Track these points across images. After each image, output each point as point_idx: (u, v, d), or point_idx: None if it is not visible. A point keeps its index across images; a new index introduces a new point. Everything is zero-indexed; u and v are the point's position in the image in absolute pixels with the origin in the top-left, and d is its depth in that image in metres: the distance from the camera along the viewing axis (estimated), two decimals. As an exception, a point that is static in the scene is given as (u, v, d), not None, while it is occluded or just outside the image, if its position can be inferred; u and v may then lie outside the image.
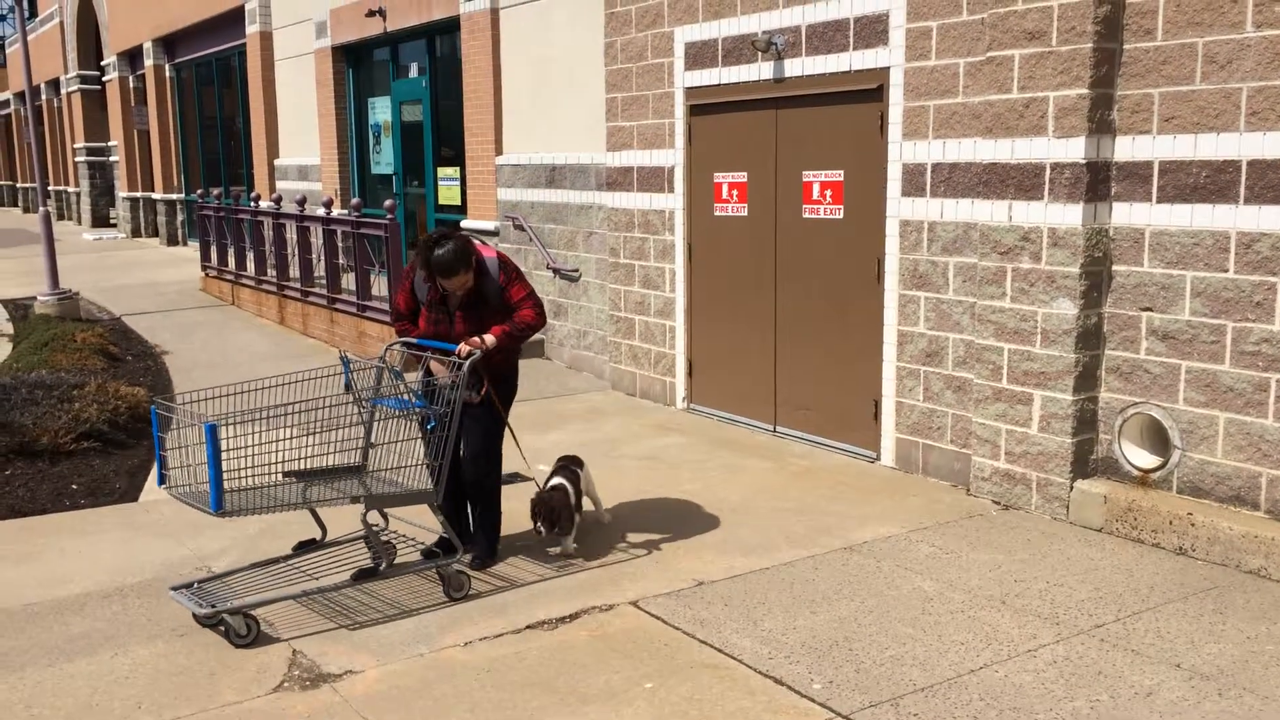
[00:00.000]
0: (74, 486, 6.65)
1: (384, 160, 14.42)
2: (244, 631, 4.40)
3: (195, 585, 4.72)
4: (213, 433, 4.19)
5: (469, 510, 5.32)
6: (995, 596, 4.81)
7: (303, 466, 4.73)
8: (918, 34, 6.35)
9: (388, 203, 10.32)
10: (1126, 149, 5.52)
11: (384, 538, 5.00)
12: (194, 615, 4.53)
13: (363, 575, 4.79)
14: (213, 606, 4.46)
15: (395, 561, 4.99)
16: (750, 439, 7.60)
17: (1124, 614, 4.62)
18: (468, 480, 5.21)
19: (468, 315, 5.07)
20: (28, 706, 3.96)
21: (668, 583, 5.02)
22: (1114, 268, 5.63)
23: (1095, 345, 5.69)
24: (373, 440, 5.00)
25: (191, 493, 4.48)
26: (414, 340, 5.21)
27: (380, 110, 14.32)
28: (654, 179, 8.51)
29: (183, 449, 4.49)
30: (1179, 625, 4.50)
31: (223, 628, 4.44)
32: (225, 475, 4.31)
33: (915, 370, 6.60)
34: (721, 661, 4.24)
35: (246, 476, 4.50)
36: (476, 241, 5.16)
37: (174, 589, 4.66)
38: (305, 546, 5.08)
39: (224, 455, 4.28)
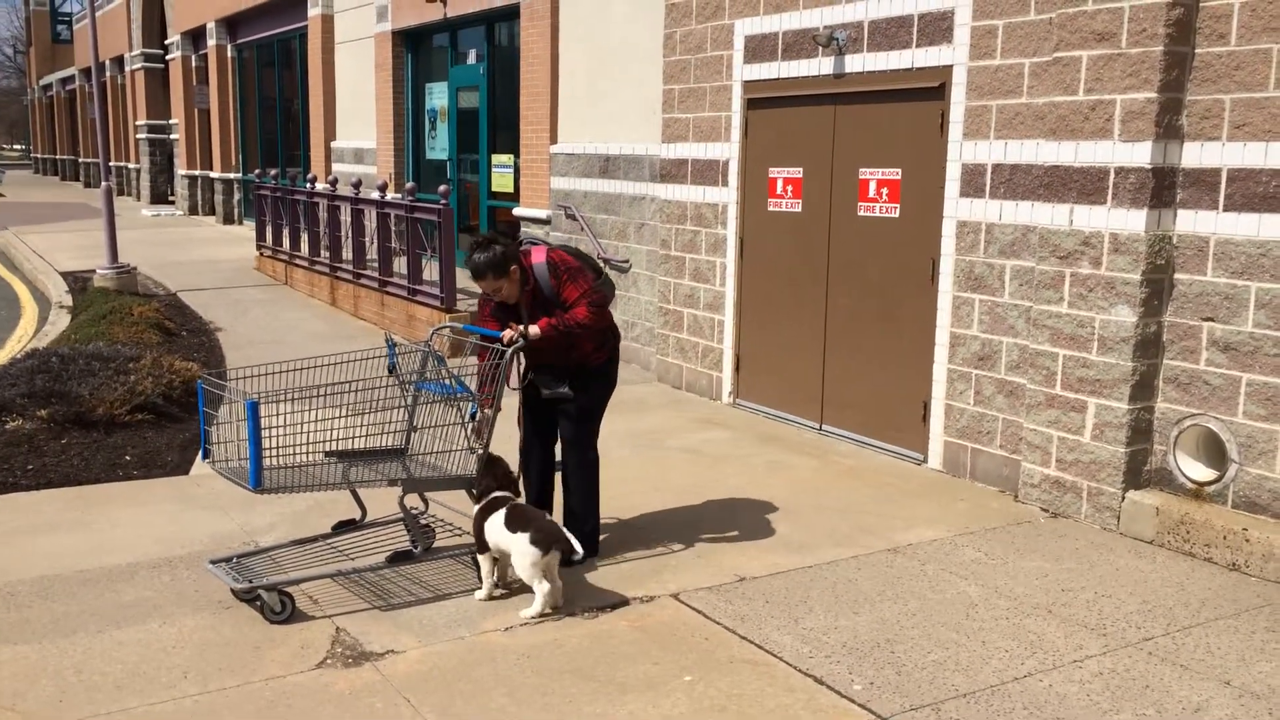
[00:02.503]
0: (127, 457, 6.76)
1: (439, 146, 14.51)
2: (278, 608, 4.44)
3: (234, 560, 4.77)
4: (253, 410, 4.24)
5: (566, 500, 5.28)
6: (1041, 605, 4.75)
7: (345, 447, 4.77)
8: (983, 32, 6.26)
9: (442, 188, 10.38)
10: (1194, 155, 5.41)
11: (423, 521, 5.03)
12: (231, 590, 4.59)
13: (397, 558, 4.82)
14: (249, 582, 4.51)
15: (433, 545, 5.02)
16: (796, 436, 7.56)
17: (1173, 628, 4.53)
18: (564, 470, 5.22)
19: (535, 322, 5.02)
20: (78, 671, 4.04)
21: (709, 577, 5.01)
22: (1176, 276, 5.52)
23: (1154, 354, 5.59)
24: (415, 424, 5.02)
25: (232, 468, 4.53)
26: (458, 325, 5.23)
27: (437, 96, 14.40)
28: (708, 172, 8.48)
29: (226, 424, 4.54)
30: (1230, 642, 4.41)
31: (258, 603, 4.50)
32: (267, 452, 4.36)
33: (966, 373, 6.52)
34: (761, 658, 4.22)
35: (289, 454, 4.54)
36: (538, 245, 5.08)
37: (212, 562, 4.72)
38: (344, 526, 5.12)
39: (268, 432, 4.33)
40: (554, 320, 4.95)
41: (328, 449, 4.72)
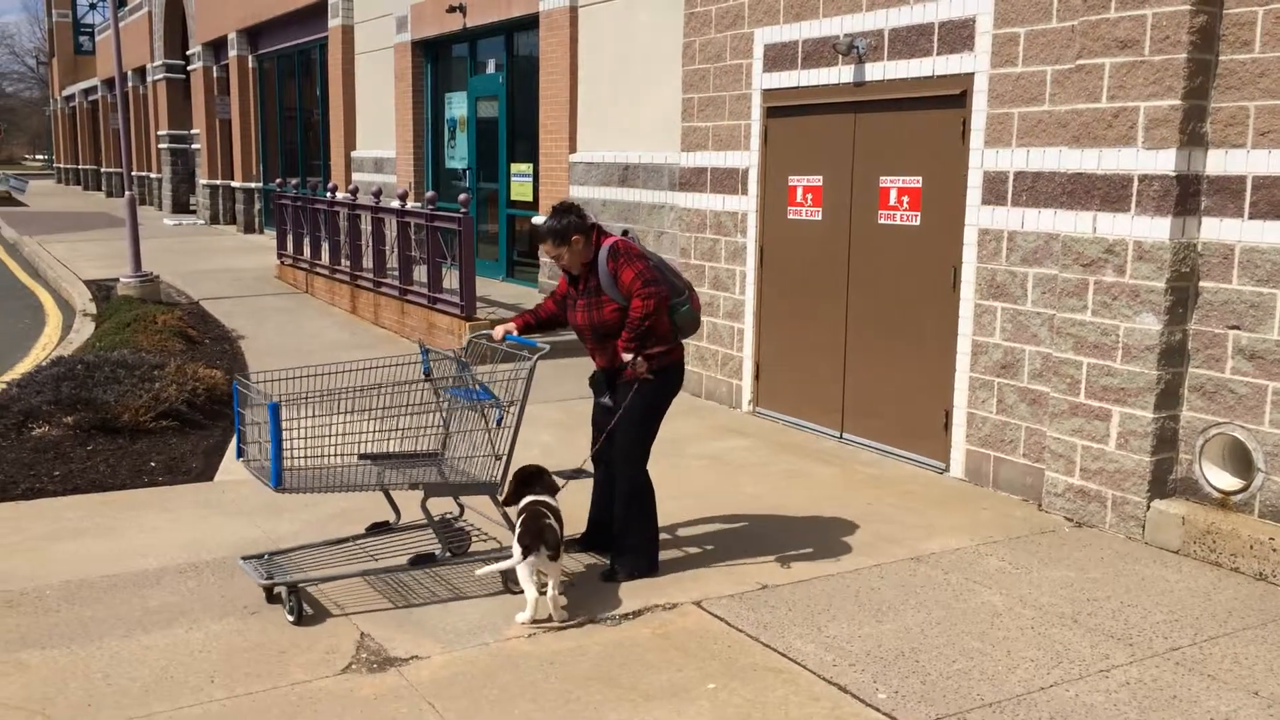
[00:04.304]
0: (152, 464, 6.81)
1: (458, 155, 14.57)
2: (304, 609, 4.50)
3: (266, 557, 4.88)
4: (274, 412, 4.32)
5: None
6: (1067, 614, 4.72)
7: (375, 450, 4.82)
8: (1005, 40, 6.25)
9: (462, 196, 10.43)
10: (1219, 163, 5.39)
11: (457, 526, 5.05)
12: (260, 585, 4.67)
13: (419, 560, 4.85)
14: (270, 577, 4.60)
15: (469, 550, 5.04)
16: (816, 445, 7.55)
17: (1200, 638, 4.51)
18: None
19: (587, 303, 4.96)
20: (106, 675, 4.07)
21: (731, 585, 5.00)
22: (1201, 284, 5.49)
23: (1178, 362, 5.56)
24: (449, 429, 5.06)
25: (260, 466, 4.62)
26: (492, 334, 5.25)
27: (456, 105, 14.48)
28: (728, 180, 8.49)
29: (258, 425, 4.61)
30: (1258, 651, 4.38)
31: (291, 600, 4.53)
32: (295, 454, 4.45)
33: (989, 381, 6.50)
34: (785, 666, 4.22)
35: (316, 456, 4.60)
36: (613, 234, 5.03)
37: (245, 558, 4.83)
38: (378, 529, 5.18)
39: (298, 435, 4.41)
40: (625, 332, 4.87)
41: (361, 452, 4.79)
